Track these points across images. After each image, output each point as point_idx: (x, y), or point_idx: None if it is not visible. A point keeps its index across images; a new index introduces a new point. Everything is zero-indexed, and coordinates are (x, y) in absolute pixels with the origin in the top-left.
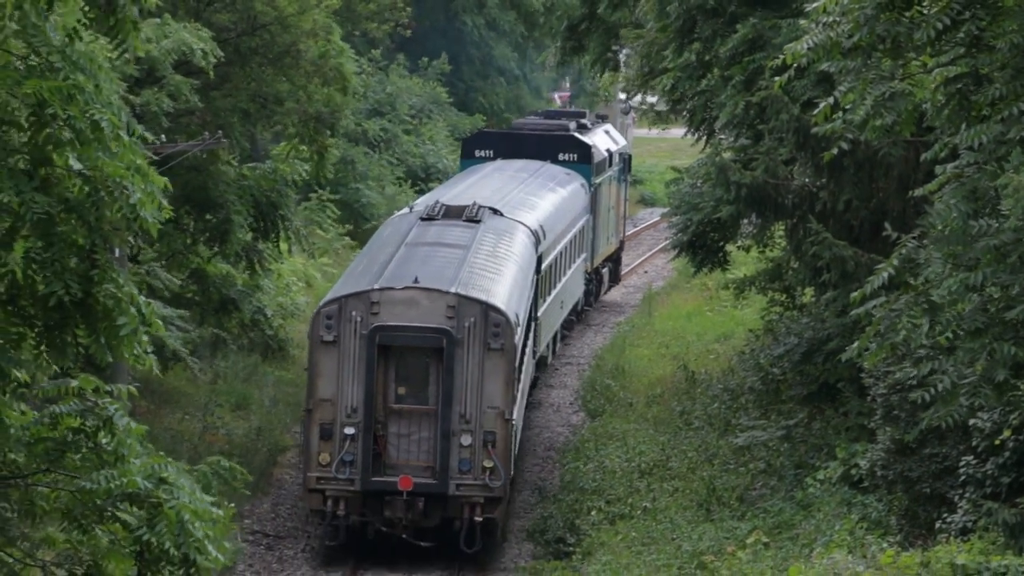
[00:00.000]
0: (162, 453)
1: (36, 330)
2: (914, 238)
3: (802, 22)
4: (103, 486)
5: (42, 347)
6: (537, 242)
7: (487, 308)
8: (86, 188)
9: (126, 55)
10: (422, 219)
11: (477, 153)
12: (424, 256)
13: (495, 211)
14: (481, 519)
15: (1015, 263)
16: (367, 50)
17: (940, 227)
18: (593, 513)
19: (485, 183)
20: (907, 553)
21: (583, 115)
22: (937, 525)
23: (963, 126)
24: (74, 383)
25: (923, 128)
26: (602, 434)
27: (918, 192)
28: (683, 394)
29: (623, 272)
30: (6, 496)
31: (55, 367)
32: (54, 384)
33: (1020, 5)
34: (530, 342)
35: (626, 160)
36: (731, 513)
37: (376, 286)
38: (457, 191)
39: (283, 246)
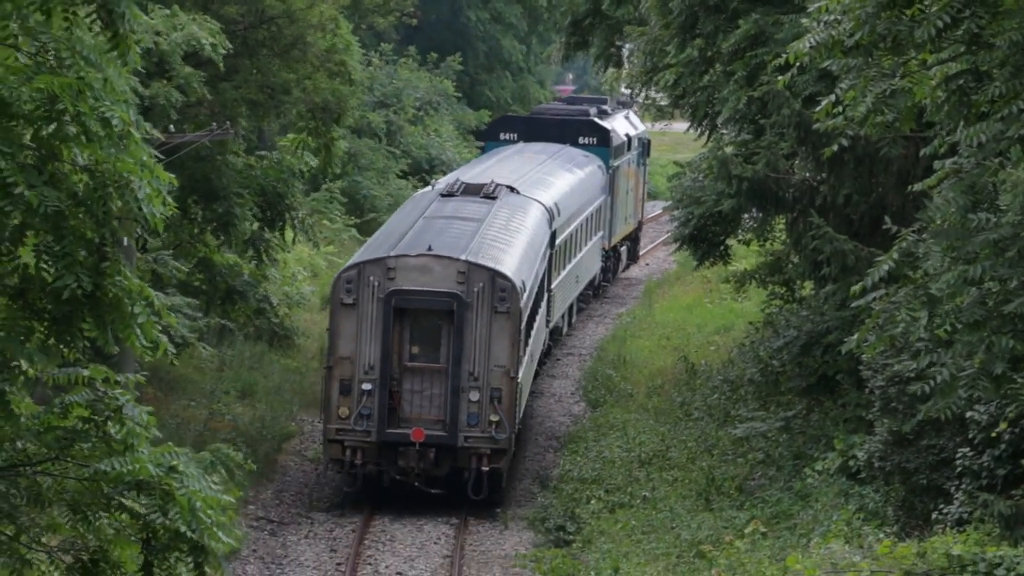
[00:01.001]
0: (170, 443)
1: (45, 323)
2: (913, 232)
3: (804, 21)
4: (115, 470)
5: (50, 340)
6: (551, 218)
7: (494, 274)
8: (92, 183)
9: (127, 67)
10: (442, 195)
11: (502, 136)
12: (440, 228)
13: (512, 189)
14: (487, 469)
15: (1013, 257)
16: (374, 44)
17: (939, 221)
18: (593, 502)
19: (506, 163)
20: (903, 543)
21: (604, 101)
22: (933, 516)
23: (962, 123)
24: (85, 373)
25: (922, 123)
26: (603, 424)
27: (917, 187)
28: (683, 385)
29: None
30: (15, 484)
31: (63, 358)
32: (64, 372)
33: (1019, 4)
34: (542, 311)
35: (645, 144)
36: (730, 503)
37: (392, 253)
38: (478, 170)
39: (288, 235)
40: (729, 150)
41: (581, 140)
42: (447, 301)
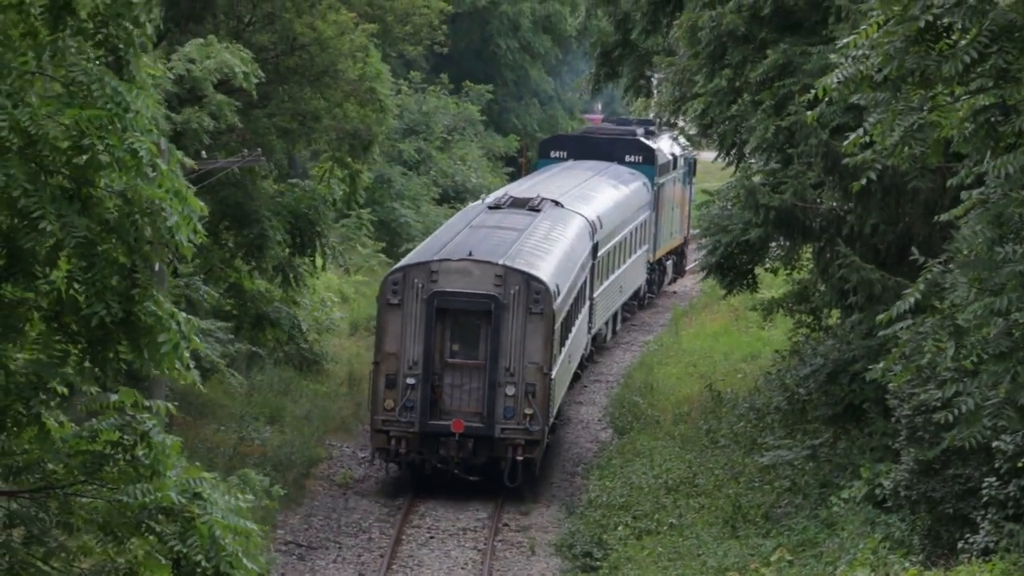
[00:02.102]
0: (198, 464)
1: (80, 347)
2: (940, 263)
3: (832, 56)
4: (138, 500)
5: (86, 363)
6: (593, 231)
7: (529, 278)
8: (125, 209)
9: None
10: (489, 207)
11: (552, 154)
12: (483, 236)
13: (556, 203)
14: (522, 458)
15: None
16: (404, 71)
17: (966, 252)
18: (620, 528)
19: (554, 180)
20: (929, 572)
21: (652, 123)
22: (959, 545)
23: (988, 154)
24: (114, 398)
25: (950, 154)
26: (629, 451)
27: (944, 217)
28: (709, 412)
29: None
30: (45, 506)
31: (97, 381)
32: (94, 398)
33: None
34: (583, 316)
35: (691, 164)
36: (756, 530)
37: (435, 257)
38: (527, 186)
39: (319, 262)
40: (757, 179)
41: (628, 158)
42: (485, 302)
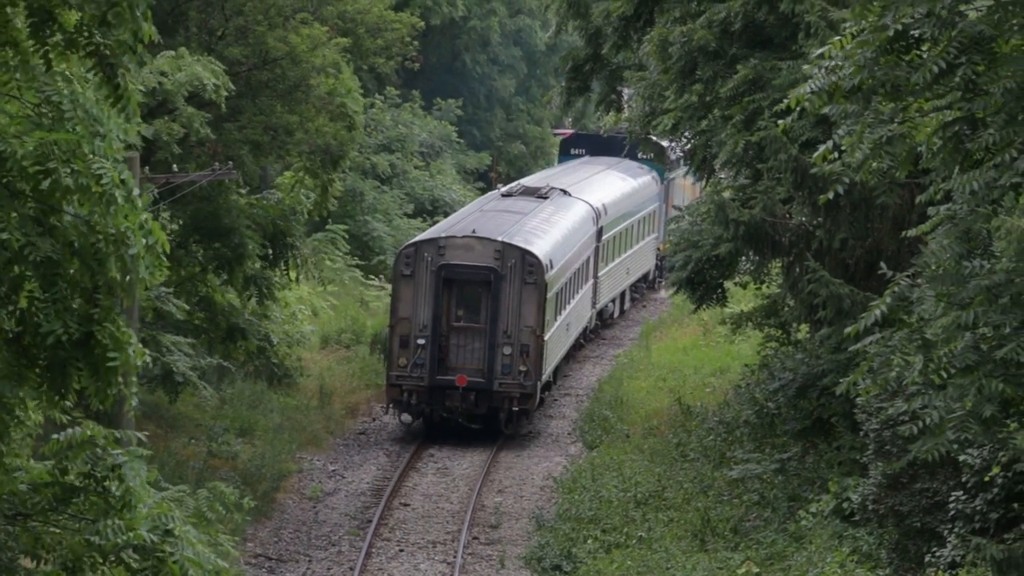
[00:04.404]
0: (167, 502)
1: (38, 369)
2: (908, 277)
3: (805, 68)
4: (110, 540)
5: (43, 387)
6: (597, 217)
7: (524, 252)
8: (89, 237)
9: (128, 123)
10: (502, 195)
11: (572, 151)
12: (489, 217)
13: (564, 191)
14: (517, 409)
15: (1006, 303)
16: (375, 86)
17: (934, 267)
18: (589, 542)
19: (568, 173)
20: None
21: None
22: (926, 559)
23: (956, 169)
24: (88, 433)
25: (918, 169)
26: (599, 464)
27: (912, 232)
28: (679, 426)
29: None
30: (12, 535)
31: (55, 410)
32: (67, 435)
33: (1015, 52)
34: (585, 291)
35: None
36: (725, 544)
37: (443, 234)
38: (541, 177)
39: (292, 275)
40: (726, 194)
41: (640, 155)
42: (486, 273)
